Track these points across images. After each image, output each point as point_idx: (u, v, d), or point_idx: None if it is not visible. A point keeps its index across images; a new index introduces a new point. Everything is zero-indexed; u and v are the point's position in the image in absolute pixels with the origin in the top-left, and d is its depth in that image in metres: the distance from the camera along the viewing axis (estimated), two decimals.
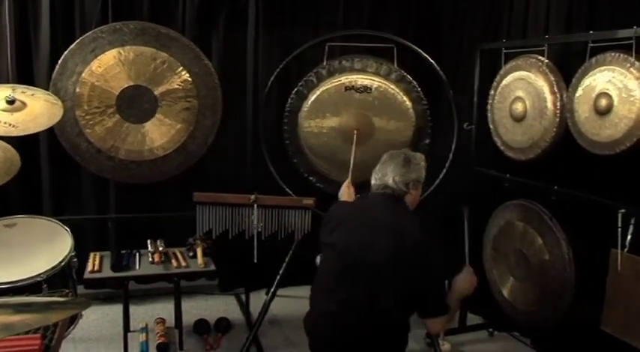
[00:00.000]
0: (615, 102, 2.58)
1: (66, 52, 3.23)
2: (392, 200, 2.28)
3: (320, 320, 2.26)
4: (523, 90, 3.12)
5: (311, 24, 3.98)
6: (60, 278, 2.96)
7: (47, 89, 3.19)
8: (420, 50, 3.61)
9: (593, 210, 2.73)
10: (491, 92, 3.38)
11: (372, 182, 2.37)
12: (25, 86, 3.07)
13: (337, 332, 2.19)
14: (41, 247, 2.90)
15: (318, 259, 3.34)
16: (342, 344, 2.20)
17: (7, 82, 3.40)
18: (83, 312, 3.02)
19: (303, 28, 3.96)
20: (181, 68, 3.37)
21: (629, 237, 2.50)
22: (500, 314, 3.45)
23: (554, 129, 2.94)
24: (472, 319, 3.76)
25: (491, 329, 3.67)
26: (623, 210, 2.52)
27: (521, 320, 3.34)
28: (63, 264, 2.81)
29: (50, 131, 3.26)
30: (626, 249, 2.53)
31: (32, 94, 3.00)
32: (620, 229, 2.53)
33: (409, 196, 2.30)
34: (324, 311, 2.23)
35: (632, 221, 2.48)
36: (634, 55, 2.48)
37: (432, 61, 3.58)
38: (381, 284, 2.14)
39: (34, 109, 2.94)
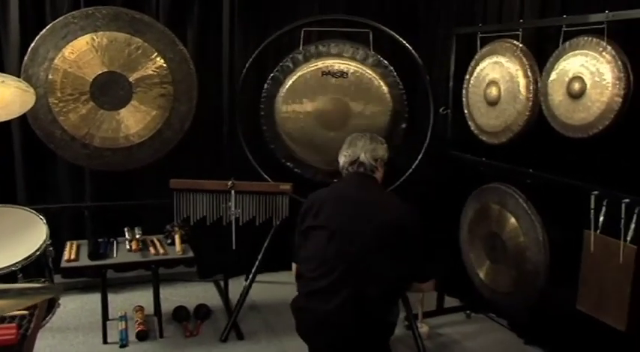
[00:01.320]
0: (588, 86, 2.61)
1: (37, 38, 3.16)
2: (367, 178, 2.41)
3: (309, 304, 2.26)
4: (498, 75, 3.15)
5: (287, 9, 3.95)
6: (36, 268, 2.93)
7: (18, 76, 3.13)
8: (396, 35, 3.60)
9: (567, 192, 2.77)
10: (467, 76, 3.40)
11: (342, 160, 2.46)
12: None
13: (324, 317, 2.19)
14: (16, 237, 2.86)
15: None
16: (327, 331, 2.20)
17: None
18: (61, 301, 3.01)
19: (279, 12, 3.94)
20: (156, 54, 3.33)
21: (601, 219, 2.55)
22: (477, 296, 3.51)
23: (527, 113, 2.98)
24: (449, 301, 3.82)
25: (468, 311, 3.73)
26: (596, 192, 2.57)
27: (498, 302, 3.39)
28: (38, 253, 2.78)
29: (23, 119, 3.20)
30: (598, 231, 2.58)
31: (2, 81, 2.93)
32: (593, 210, 2.58)
33: (378, 173, 2.43)
34: (312, 294, 2.23)
35: (605, 202, 2.53)
36: (606, 39, 2.52)
37: (408, 45, 3.58)
38: (372, 265, 2.17)
39: (4, 97, 2.88)
